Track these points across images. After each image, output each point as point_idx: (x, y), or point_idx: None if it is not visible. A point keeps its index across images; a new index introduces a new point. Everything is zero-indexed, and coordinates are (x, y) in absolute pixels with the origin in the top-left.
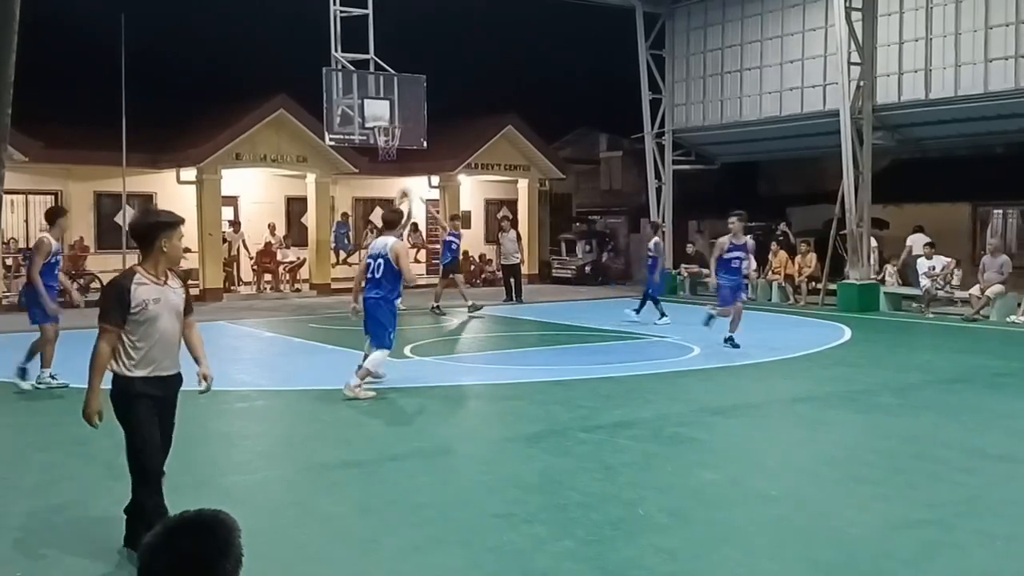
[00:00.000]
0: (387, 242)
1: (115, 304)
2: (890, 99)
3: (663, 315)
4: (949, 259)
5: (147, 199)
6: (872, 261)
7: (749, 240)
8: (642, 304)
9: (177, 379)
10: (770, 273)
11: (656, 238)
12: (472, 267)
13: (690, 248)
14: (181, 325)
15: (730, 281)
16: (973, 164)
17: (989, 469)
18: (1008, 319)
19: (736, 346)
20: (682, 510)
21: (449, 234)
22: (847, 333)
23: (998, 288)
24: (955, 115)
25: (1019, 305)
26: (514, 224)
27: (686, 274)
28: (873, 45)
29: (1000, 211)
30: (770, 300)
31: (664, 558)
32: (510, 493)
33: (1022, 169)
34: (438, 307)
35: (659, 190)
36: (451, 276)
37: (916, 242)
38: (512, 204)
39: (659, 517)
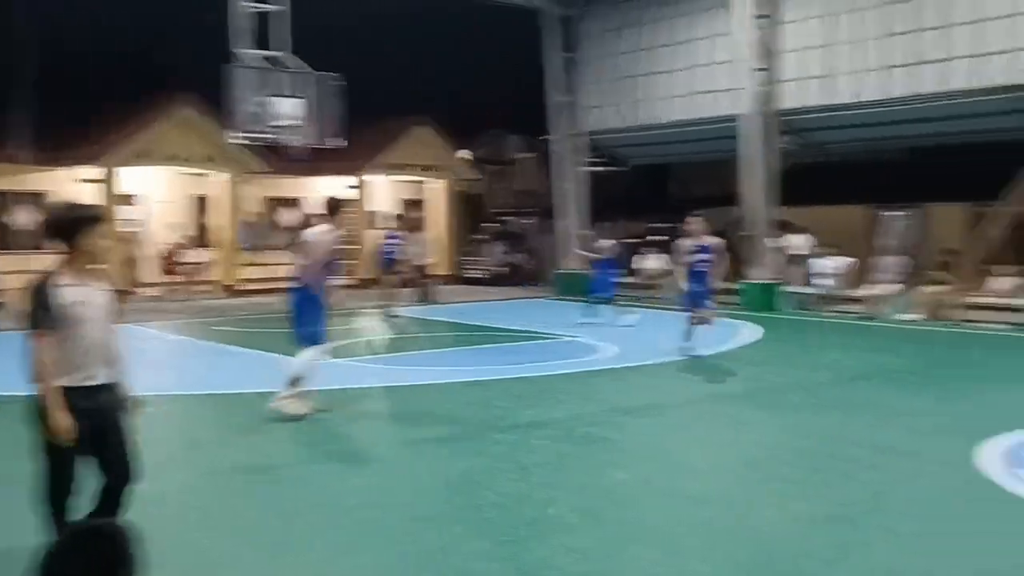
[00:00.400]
0: (318, 230)
1: (41, 307)
2: (794, 104)
3: (596, 317)
4: (849, 259)
5: (41, 197)
6: (776, 262)
7: (715, 240)
8: (598, 306)
9: (110, 389)
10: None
11: (604, 240)
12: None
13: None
14: (109, 329)
15: (699, 287)
16: (870, 168)
17: (895, 466)
18: (901, 317)
19: (696, 355)
20: (594, 510)
21: (389, 236)
22: (756, 332)
23: (893, 288)
24: (856, 120)
25: (910, 304)
26: (421, 225)
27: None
28: (778, 51)
29: (894, 213)
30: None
31: (576, 558)
32: (426, 494)
33: (914, 173)
34: (387, 310)
35: (569, 192)
36: (388, 277)
37: (795, 243)
38: (424, 205)
39: (571, 517)
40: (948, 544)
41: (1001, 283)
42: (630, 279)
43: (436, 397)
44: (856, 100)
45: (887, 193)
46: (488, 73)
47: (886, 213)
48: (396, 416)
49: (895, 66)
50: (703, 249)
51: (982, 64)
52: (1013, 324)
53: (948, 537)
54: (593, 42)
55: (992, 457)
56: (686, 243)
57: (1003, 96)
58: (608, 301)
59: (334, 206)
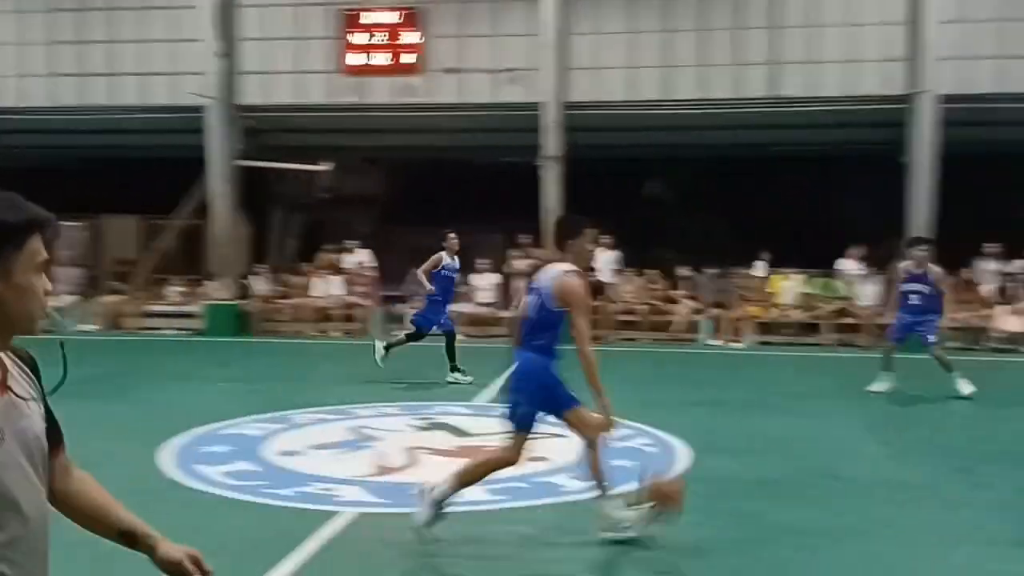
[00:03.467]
0: None
1: None
2: None
3: None
4: None
5: None
6: None
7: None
8: None
9: None
10: None
11: None
12: None
13: None
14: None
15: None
16: (44, 176)
17: None
18: (79, 328)
19: None
20: None
21: None
22: None
23: (71, 299)
24: (24, 126)
25: (88, 314)
26: None
27: None
28: None
29: (69, 224)
30: None
31: None
32: None
33: (89, 184)
34: None
35: None
36: None
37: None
38: None
39: None
40: None
41: (174, 291)
42: None
43: None
44: (23, 105)
45: (61, 203)
46: None
47: (62, 224)
48: None
49: (64, 75)
50: None
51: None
52: (186, 329)
53: None
54: None
55: (171, 454)
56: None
57: (171, 115)
58: None
59: None
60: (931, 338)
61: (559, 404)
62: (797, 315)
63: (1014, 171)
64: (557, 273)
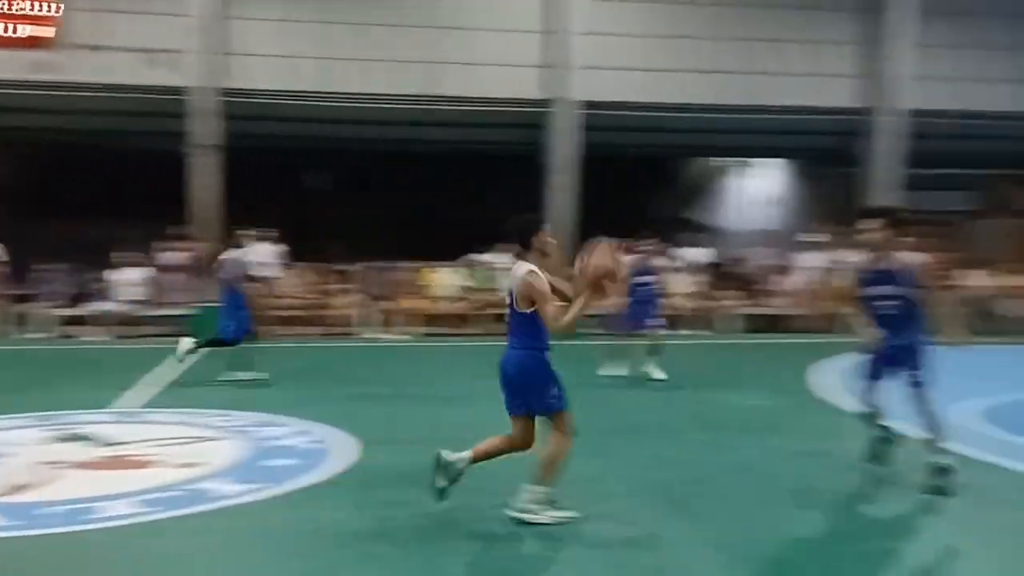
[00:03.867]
0: None
1: None
2: None
3: None
4: None
5: None
6: None
7: None
8: None
9: None
10: None
11: None
12: None
13: None
14: None
15: None
16: None
17: None
18: None
19: None
20: None
21: None
22: None
23: None
24: None
25: None
26: None
27: None
28: None
29: None
30: None
31: None
32: None
33: None
34: None
35: None
36: None
37: None
38: None
39: None
40: None
41: None
42: None
43: None
44: None
45: None
46: None
47: None
48: None
49: None
50: None
51: None
52: None
53: None
54: None
55: None
56: None
57: None
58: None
59: None
60: (652, 323)
61: (543, 404)
62: (458, 307)
63: (651, 173)
64: (520, 276)
